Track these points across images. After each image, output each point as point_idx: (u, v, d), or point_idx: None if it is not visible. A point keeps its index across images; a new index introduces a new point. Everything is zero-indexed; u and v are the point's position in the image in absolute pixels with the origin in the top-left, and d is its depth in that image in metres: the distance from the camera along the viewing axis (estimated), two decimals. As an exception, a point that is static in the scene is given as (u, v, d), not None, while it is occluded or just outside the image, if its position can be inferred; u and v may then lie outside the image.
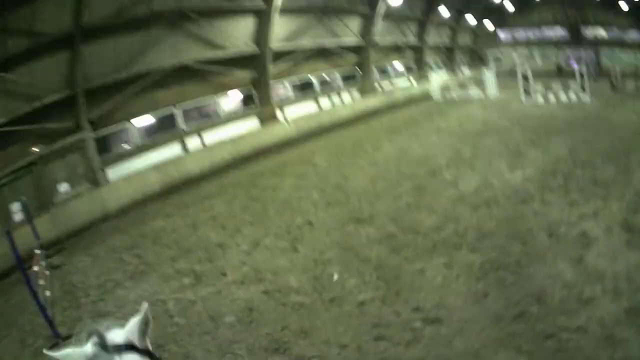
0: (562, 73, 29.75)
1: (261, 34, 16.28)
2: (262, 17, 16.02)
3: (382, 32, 23.32)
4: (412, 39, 26.87)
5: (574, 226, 7.17)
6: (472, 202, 8.80)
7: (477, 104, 22.09)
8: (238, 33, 15.45)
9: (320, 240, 8.11)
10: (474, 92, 24.60)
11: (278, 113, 17.46)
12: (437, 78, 26.76)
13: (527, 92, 20.83)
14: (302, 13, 18.32)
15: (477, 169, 10.88)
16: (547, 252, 6.39)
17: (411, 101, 24.44)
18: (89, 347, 1.29)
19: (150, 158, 12.96)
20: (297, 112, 18.39)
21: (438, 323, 5.07)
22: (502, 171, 10.41)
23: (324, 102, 20.52)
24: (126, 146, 13.28)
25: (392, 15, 23.38)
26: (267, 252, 7.90)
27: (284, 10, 16.48)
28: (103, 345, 1.30)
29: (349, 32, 21.30)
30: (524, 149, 12.00)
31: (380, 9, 21.88)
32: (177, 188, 12.88)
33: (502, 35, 37.10)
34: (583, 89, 20.06)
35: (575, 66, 25.86)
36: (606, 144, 11.37)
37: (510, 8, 34.58)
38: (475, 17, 33.63)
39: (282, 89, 18.66)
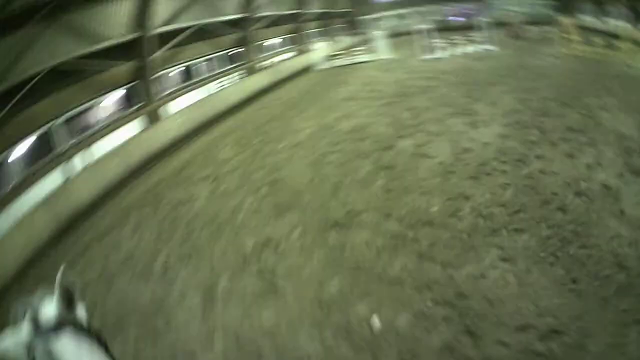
0: (446, 28, 30.07)
1: (141, 17, 12.10)
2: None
3: (261, 3, 20.58)
4: (290, 8, 24.49)
5: (591, 180, 6.74)
6: (465, 173, 7.68)
7: (373, 67, 21.36)
8: (117, 19, 11.26)
9: (305, 268, 5.75)
10: (364, 56, 23.80)
11: (166, 106, 13.43)
12: (322, 47, 25.31)
13: (426, 47, 20.95)
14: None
15: (435, 133, 9.92)
16: (590, 214, 5.84)
17: (301, 73, 22.53)
18: (24, 332, 1.33)
19: (32, 196, 8.31)
20: (187, 102, 14.99)
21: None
22: (465, 131, 9.25)
23: (213, 86, 17.19)
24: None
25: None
26: (237, 310, 4.87)
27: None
28: (37, 327, 1.34)
29: (230, 5, 17.97)
30: (467, 104, 11.17)
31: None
32: (69, 227, 8.37)
33: None
34: (484, 39, 21.26)
35: (461, 19, 26.66)
36: (551, 91, 11.01)
37: None
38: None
39: (168, 78, 14.60)
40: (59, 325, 1.35)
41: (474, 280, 4.84)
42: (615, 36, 17.70)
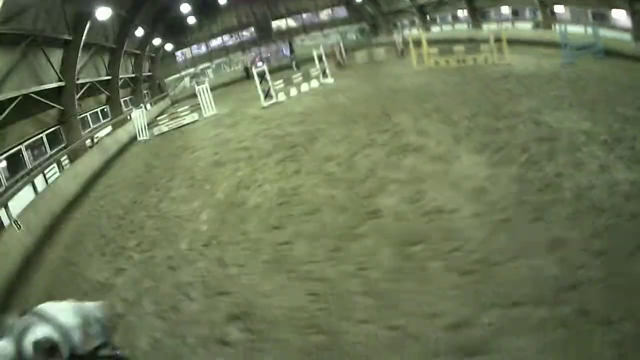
0: (248, 76, 31.11)
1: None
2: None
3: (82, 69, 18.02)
4: (105, 73, 21.83)
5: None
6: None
7: (205, 126, 18.63)
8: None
9: None
10: (191, 115, 20.56)
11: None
12: (139, 114, 20.31)
13: (265, 93, 19.24)
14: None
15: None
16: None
17: (128, 148, 18.73)
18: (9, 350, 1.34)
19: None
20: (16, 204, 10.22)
21: None
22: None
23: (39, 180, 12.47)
24: None
25: (87, 46, 18.03)
26: None
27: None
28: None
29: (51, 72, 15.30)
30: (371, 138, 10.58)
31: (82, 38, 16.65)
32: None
33: (184, 54, 35.72)
34: (323, 73, 21.13)
35: (262, 64, 27.80)
36: (472, 107, 11.43)
37: (194, 21, 33.35)
38: (162, 39, 31.31)
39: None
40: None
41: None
42: (473, 41, 18.92)
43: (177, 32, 33.12)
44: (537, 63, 16.46)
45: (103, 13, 17.02)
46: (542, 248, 4.82)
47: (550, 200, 5.92)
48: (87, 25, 16.70)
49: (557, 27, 18.72)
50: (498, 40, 17.66)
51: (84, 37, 16.63)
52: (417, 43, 20.28)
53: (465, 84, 14.90)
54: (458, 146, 8.65)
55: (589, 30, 17.80)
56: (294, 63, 29.49)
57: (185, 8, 29.23)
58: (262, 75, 19.54)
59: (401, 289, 4.70)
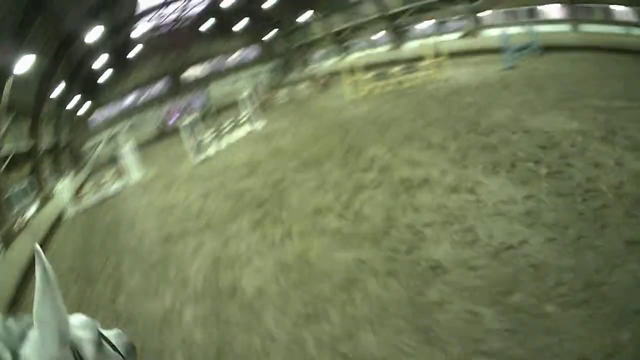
0: (166, 132, 30.51)
1: None
2: None
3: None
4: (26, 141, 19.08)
5: None
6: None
7: (142, 191, 16.17)
8: None
9: None
10: (117, 184, 18.06)
11: None
12: (64, 186, 17.72)
13: (195, 147, 17.56)
14: None
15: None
16: None
17: (57, 227, 15.87)
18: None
19: None
20: None
21: None
22: None
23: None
24: None
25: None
26: None
27: None
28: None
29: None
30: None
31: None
32: None
33: (100, 115, 33.36)
34: (252, 117, 20.20)
35: (174, 119, 26.34)
36: (445, 128, 11.00)
37: (109, 79, 31.31)
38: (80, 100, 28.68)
39: None
40: None
41: None
42: (403, 61, 19.37)
43: (93, 92, 30.52)
44: (478, 72, 16.73)
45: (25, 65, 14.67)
46: (626, 251, 4.61)
47: (600, 205, 5.64)
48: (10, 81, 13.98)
49: (501, 32, 17.99)
50: (437, 55, 17.74)
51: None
52: (349, 71, 19.82)
53: (419, 105, 14.52)
54: (466, 171, 7.81)
55: (518, 30, 18.45)
56: (210, 112, 27.92)
57: (99, 63, 27.10)
58: (187, 129, 17.76)
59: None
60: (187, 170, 16.45)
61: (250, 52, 38.77)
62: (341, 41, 32.43)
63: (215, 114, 26.56)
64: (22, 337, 1.12)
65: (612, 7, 16.00)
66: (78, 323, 1.25)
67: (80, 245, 12.06)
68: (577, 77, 12.11)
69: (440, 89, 15.94)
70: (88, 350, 1.20)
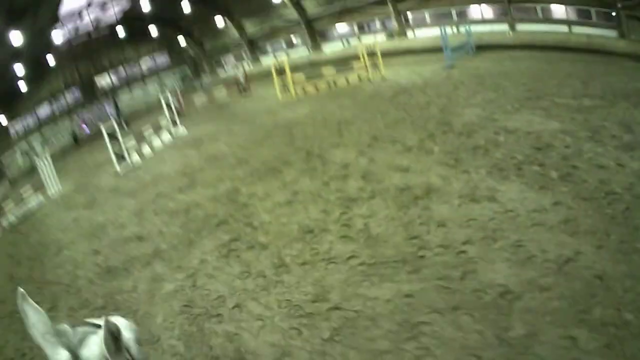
0: (83, 140, 29.60)
1: None
2: None
3: None
4: None
5: None
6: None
7: (64, 208, 13.23)
8: None
9: None
10: (37, 199, 14.85)
11: None
12: None
13: (120, 157, 15.15)
14: None
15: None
16: None
17: None
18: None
19: None
20: None
21: None
22: None
23: None
24: None
25: None
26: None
27: None
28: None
29: None
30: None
31: None
32: None
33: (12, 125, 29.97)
34: (174, 123, 18.51)
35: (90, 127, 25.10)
36: (413, 129, 10.77)
37: (24, 89, 28.60)
38: None
39: None
40: None
41: None
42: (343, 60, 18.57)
43: (8, 102, 27.43)
44: (415, 72, 16.61)
45: None
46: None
47: (624, 207, 5.45)
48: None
49: (441, 31, 17.60)
50: (371, 54, 17.27)
51: None
52: (279, 72, 18.44)
53: (367, 105, 13.82)
54: (471, 176, 7.19)
55: (451, 30, 18.81)
56: (122, 121, 25.22)
57: (17, 71, 25.22)
58: (106, 136, 14.95)
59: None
60: (110, 183, 13.90)
61: (162, 58, 38.93)
62: (258, 45, 32.57)
63: (125, 122, 24.53)
64: (82, 341, 1.20)
65: (550, 6, 16.67)
66: (123, 325, 1.29)
67: (4, 273, 9.27)
68: (528, 75, 12.48)
69: (381, 88, 15.54)
70: (134, 349, 1.26)
